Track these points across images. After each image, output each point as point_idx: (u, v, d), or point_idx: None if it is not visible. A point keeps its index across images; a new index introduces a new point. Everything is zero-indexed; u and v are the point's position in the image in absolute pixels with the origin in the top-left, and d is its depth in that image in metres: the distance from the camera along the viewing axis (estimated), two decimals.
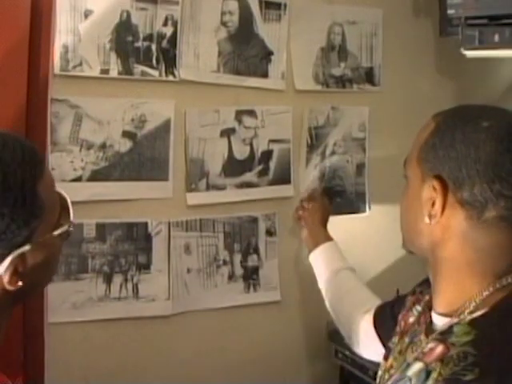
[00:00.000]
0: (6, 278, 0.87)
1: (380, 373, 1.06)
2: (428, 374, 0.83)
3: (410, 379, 0.86)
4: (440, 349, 0.85)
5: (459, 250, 0.87)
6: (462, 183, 0.85)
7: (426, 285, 1.10)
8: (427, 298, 1.05)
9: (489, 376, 0.77)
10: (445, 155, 0.87)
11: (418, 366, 0.87)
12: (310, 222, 1.70)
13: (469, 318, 0.86)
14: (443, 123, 0.90)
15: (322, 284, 1.58)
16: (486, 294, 0.86)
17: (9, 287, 0.88)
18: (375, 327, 1.27)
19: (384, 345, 1.20)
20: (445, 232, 0.87)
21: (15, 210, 0.84)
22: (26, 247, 0.87)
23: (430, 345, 0.88)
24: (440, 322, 0.91)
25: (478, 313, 0.85)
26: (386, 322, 1.22)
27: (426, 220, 0.88)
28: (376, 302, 1.37)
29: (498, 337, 0.82)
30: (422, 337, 0.93)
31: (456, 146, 0.86)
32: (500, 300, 0.85)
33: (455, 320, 0.87)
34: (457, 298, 0.88)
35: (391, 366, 1.00)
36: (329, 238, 1.65)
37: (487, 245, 0.85)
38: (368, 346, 1.31)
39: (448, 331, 0.86)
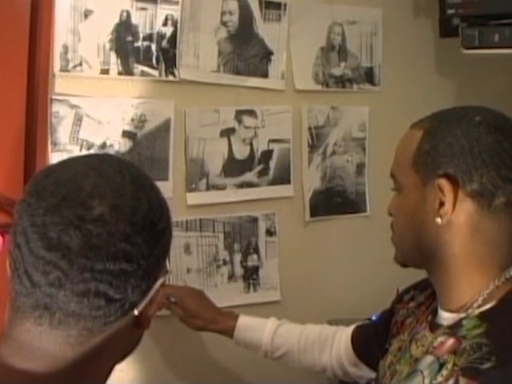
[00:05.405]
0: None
1: (381, 371, 1.06)
2: (441, 365, 0.84)
3: (422, 372, 0.88)
4: (451, 342, 0.87)
5: (468, 244, 0.89)
6: (471, 175, 0.87)
7: (414, 291, 1.11)
8: (422, 299, 1.06)
9: (506, 364, 0.78)
10: (447, 152, 0.89)
11: (428, 360, 0.88)
12: (199, 316, 1.46)
13: (477, 311, 0.88)
14: (433, 127, 0.93)
15: (274, 353, 1.42)
16: (492, 287, 0.88)
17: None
18: (354, 347, 1.28)
19: (367, 364, 1.24)
20: (454, 228, 0.89)
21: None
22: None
23: (440, 339, 0.89)
24: (446, 317, 0.92)
25: (486, 306, 0.88)
26: (367, 338, 1.25)
27: (438, 221, 0.89)
28: (330, 327, 1.40)
29: (509, 328, 0.83)
30: (427, 332, 0.95)
31: (458, 142, 0.89)
32: (506, 293, 0.88)
33: (463, 314, 0.89)
34: (465, 293, 0.90)
35: (391, 363, 1.01)
36: (232, 314, 1.46)
37: (496, 234, 0.88)
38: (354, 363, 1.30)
39: (457, 325, 0.88)
